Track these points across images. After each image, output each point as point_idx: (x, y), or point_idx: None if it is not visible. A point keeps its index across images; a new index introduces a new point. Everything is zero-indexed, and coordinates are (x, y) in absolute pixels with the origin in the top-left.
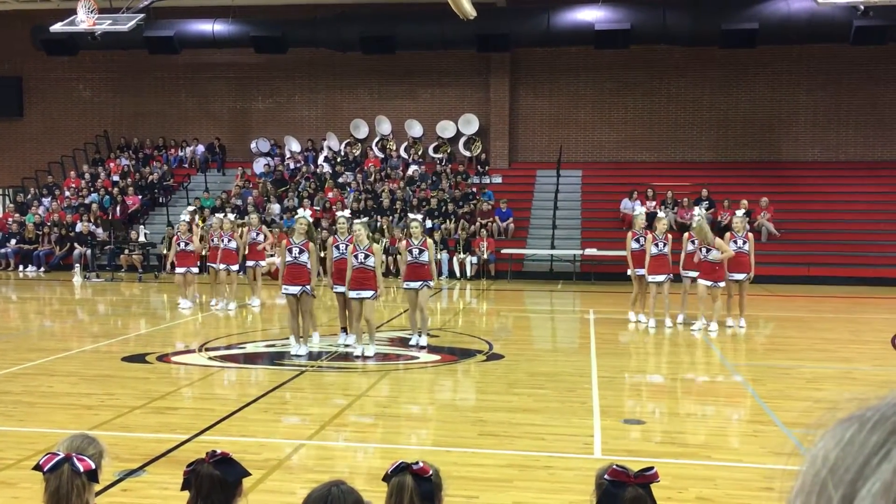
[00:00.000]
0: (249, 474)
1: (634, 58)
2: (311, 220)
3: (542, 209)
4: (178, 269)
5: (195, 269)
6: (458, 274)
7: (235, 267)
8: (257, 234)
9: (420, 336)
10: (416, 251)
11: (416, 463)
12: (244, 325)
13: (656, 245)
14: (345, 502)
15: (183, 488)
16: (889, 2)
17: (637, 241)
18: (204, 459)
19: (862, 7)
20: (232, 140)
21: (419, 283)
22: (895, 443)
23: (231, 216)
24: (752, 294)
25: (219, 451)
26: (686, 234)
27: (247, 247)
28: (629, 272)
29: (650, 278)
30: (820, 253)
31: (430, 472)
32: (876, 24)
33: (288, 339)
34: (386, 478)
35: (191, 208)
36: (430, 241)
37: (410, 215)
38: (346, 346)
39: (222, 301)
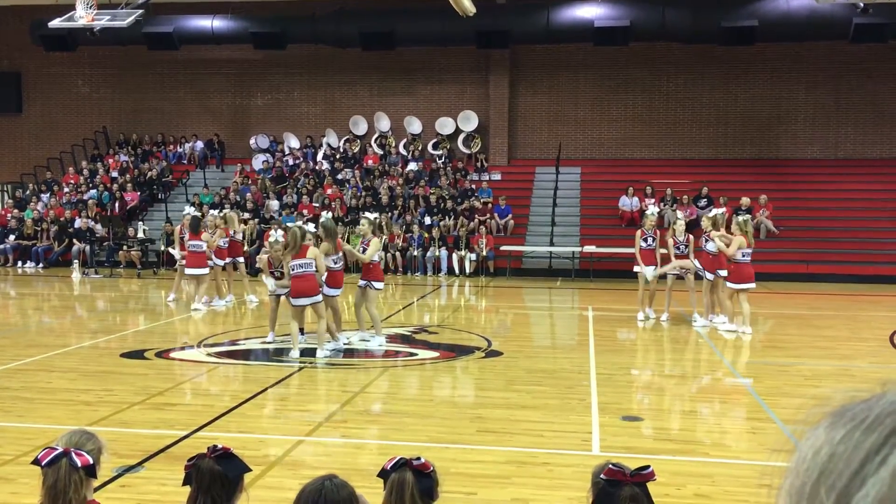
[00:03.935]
0: (250, 470)
1: (634, 55)
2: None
3: (541, 206)
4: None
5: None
6: (456, 271)
7: (220, 262)
8: (234, 232)
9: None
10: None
11: (418, 458)
12: (243, 321)
13: (677, 248)
14: (338, 496)
15: (184, 483)
16: None
17: (645, 240)
18: (205, 454)
19: (861, 4)
20: (231, 136)
21: (363, 282)
22: (893, 447)
23: (213, 212)
24: (752, 292)
25: (220, 446)
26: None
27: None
28: (636, 269)
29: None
30: (819, 250)
31: (431, 468)
32: (875, 21)
33: (292, 335)
34: (383, 474)
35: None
36: (375, 239)
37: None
38: (347, 341)
39: (216, 298)
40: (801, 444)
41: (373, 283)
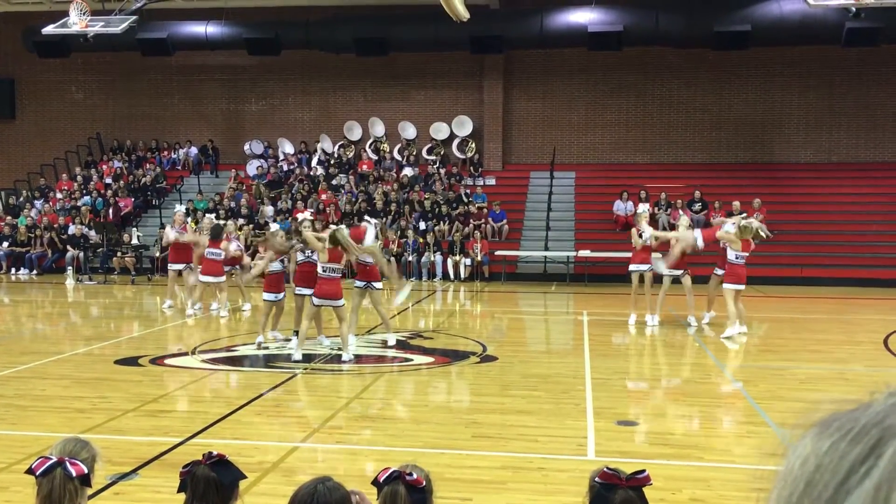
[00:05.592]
0: (245, 477)
1: (627, 60)
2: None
3: (535, 211)
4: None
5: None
6: (451, 276)
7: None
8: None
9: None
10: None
11: (410, 474)
12: (238, 327)
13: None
14: (331, 498)
15: (179, 490)
16: (880, 4)
17: (640, 235)
18: (200, 461)
19: (853, 9)
20: (225, 142)
21: (362, 283)
22: (877, 458)
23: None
24: (746, 295)
25: (215, 453)
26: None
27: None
28: (631, 267)
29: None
30: (812, 254)
31: (423, 484)
32: (867, 25)
33: (289, 339)
34: (376, 484)
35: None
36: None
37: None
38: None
39: (213, 304)
40: (789, 453)
41: (372, 283)
